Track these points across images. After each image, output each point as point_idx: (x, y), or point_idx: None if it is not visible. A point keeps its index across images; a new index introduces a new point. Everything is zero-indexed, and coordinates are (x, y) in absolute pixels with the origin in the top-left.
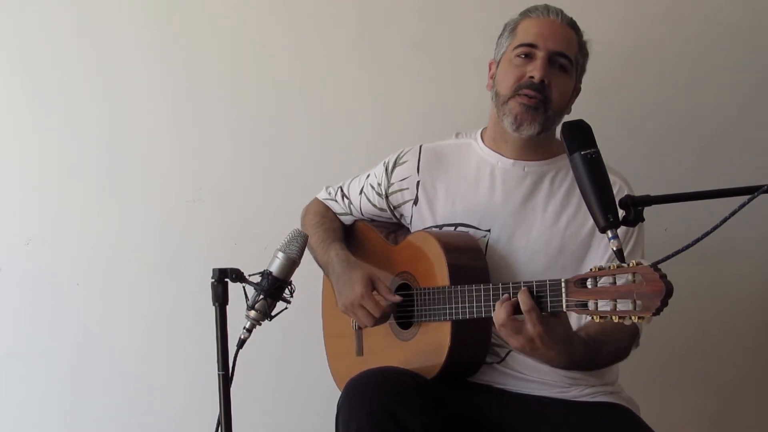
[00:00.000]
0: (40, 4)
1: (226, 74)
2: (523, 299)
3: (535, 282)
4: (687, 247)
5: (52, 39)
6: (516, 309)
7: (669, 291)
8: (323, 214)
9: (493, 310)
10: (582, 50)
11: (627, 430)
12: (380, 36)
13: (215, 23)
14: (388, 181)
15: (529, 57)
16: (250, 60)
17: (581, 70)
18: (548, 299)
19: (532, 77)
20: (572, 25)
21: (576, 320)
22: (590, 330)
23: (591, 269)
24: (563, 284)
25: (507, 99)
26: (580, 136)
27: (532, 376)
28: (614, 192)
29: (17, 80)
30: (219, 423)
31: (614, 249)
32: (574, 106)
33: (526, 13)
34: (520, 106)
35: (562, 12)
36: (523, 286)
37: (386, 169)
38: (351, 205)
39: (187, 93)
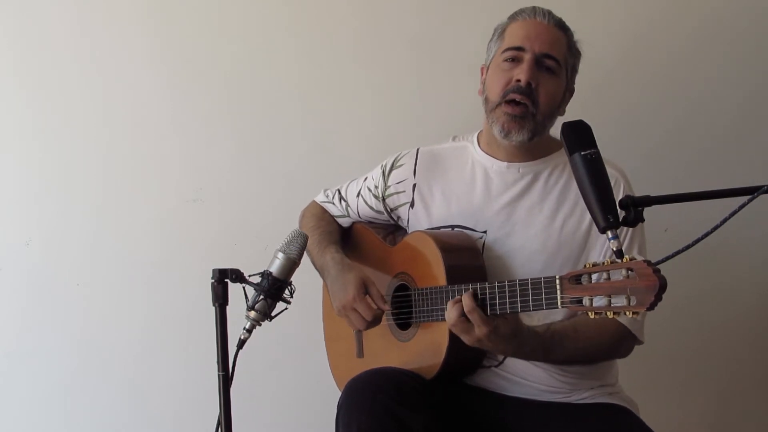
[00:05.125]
0: (40, 4)
1: (226, 74)
2: (466, 302)
3: (530, 279)
4: (687, 247)
5: (52, 39)
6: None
7: (663, 285)
8: (320, 216)
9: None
10: (572, 50)
11: (626, 431)
12: (379, 36)
13: (215, 23)
14: (385, 184)
15: (516, 61)
16: (250, 60)
17: (572, 71)
18: (543, 297)
19: (518, 80)
20: (561, 25)
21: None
22: (555, 325)
23: (585, 265)
24: (558, 281)
25: (495, 106)
26: (580, 137)
27: (531, 382)
28: (611, 184)
29: (17, 80)
30: (219, 423)
31: (614, 249)
32: (573, 107)
33: (513, 17)
34: (506, 115)
35: (550, 13)
36: (519, 283)
37: (383, 172)
38: (348, 208)
39: (187, 93)
